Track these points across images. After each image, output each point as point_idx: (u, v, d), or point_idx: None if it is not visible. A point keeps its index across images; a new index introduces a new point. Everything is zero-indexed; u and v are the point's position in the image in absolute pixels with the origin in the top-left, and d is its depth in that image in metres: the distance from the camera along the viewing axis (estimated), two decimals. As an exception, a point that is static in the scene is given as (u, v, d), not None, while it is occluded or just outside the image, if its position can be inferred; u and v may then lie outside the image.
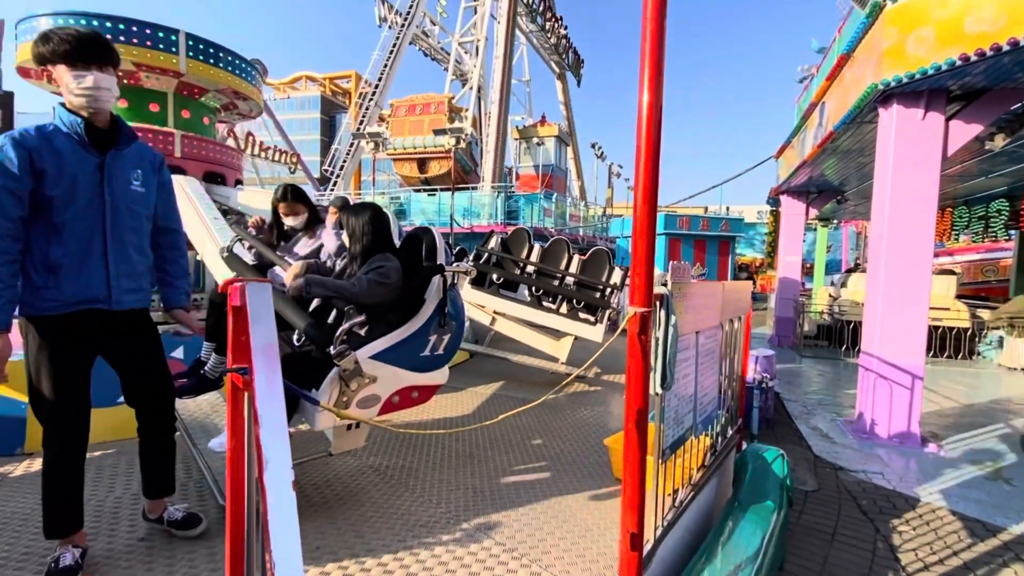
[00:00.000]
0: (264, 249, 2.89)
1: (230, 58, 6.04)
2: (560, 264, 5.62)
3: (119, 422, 3.31)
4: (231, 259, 3.04)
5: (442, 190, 18.24)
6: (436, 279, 2.50)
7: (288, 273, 2.44)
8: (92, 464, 2.89)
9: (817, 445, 4.08)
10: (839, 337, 8.50)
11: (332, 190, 21.37)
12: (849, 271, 13.82)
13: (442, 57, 28.04)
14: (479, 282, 5.64)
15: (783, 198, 9.47)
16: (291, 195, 3.18)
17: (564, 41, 31.81)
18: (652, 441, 1.88)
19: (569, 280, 5.53)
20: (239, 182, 6.64)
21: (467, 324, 7.32)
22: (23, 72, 5.50)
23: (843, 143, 5.68)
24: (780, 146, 8.75)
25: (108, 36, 5.15)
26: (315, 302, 2.68)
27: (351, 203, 3.45)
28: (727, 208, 37.79)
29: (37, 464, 2.86)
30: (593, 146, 28.44)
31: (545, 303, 5.50)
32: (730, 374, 2.87)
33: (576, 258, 5.62)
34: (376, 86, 22.57)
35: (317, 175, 25.14)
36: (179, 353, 3.70)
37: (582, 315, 5.32)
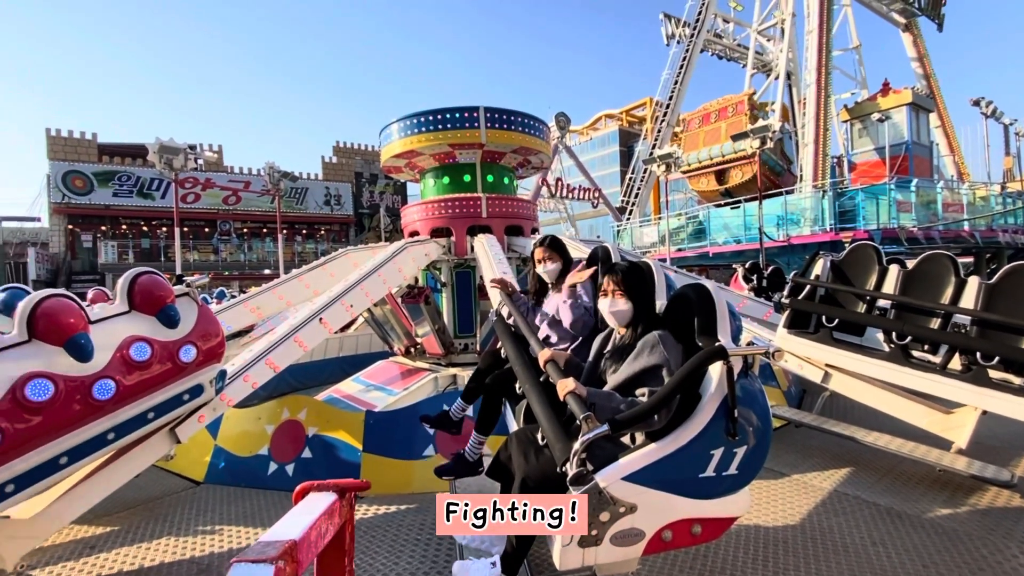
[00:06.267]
0: (519, 319, 2.64)
1: (519, 119, 6.56)
2: (941, 294, 3.69)
3: (424, 476, 3.63)
4: (498, 323, 2.96)
5: (746, 200, 15.90)
6: (717, 367, 1.68)
7: (560, 385, 1.86)
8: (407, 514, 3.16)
9: None
10: None
11: (628, 219, 21.61)
12: None
13: (739, 54, 25.35)
14: (800, 323, 4.23)
15: None
16: (549, 242, 2.90)
17: (912, -21, 24.23)
18: None
19: (963, 318, 3.55)
20: (535, 230, 7.11)
21: (791, 385, 5.65)
22: (387, 169, 7.26)
23: None
24: None
25: (429, 128, 6.46)
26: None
27: (611, 257, 2.92)
28: None
29: (364, 509, 3.31)
30: (977, 103, 20.29)
31: (917, 354, 3.67)
32: None
33: (974, 283, 3.59)
34: (667, 105, 21.95)
35: (618, 205, 26.08)
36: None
37: (997, 376, 3.29)
